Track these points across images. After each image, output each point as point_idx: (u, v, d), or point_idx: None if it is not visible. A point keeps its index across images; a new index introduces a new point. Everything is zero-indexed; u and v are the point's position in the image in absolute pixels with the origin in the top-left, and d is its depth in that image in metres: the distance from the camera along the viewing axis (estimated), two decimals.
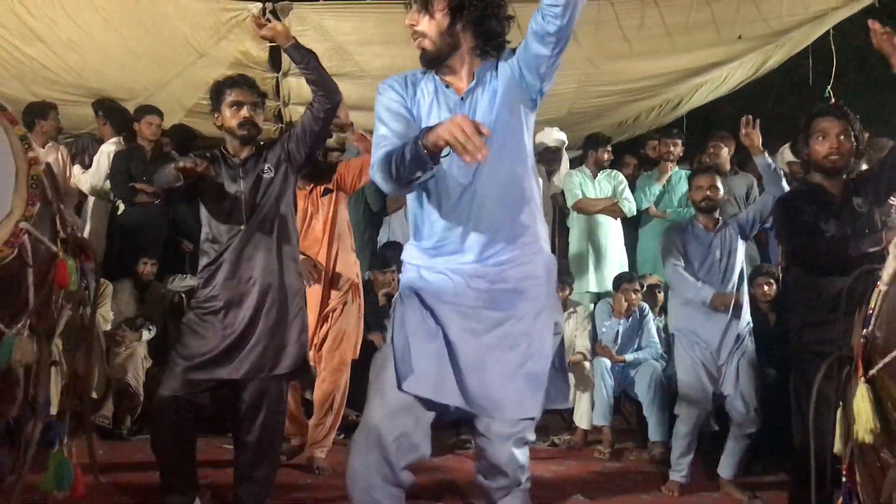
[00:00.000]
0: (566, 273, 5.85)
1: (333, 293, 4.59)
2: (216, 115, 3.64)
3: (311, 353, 4.44)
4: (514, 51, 2.41)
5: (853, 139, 3.36)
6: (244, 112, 3.56)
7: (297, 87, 6.94)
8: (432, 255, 2.39)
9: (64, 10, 6.01)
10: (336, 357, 4.59)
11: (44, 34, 6.13)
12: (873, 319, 1.99)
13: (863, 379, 1.95)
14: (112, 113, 6.42)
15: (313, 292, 4.43)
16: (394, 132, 2.32)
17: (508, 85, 2.35)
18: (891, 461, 1.85)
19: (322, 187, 4.59)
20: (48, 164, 2.35)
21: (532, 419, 2.38)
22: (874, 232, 3.29)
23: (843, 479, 2.09)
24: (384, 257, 5.78)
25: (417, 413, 2.27)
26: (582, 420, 5.42)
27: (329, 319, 4.58)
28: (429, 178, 2.23)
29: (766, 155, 4.39)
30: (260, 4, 6.22)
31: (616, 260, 6.29)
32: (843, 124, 3.35)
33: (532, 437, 2.43)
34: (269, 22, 3.58)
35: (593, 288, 6.24)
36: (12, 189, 2.11)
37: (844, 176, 3.43)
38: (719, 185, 4.69)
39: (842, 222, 3.35)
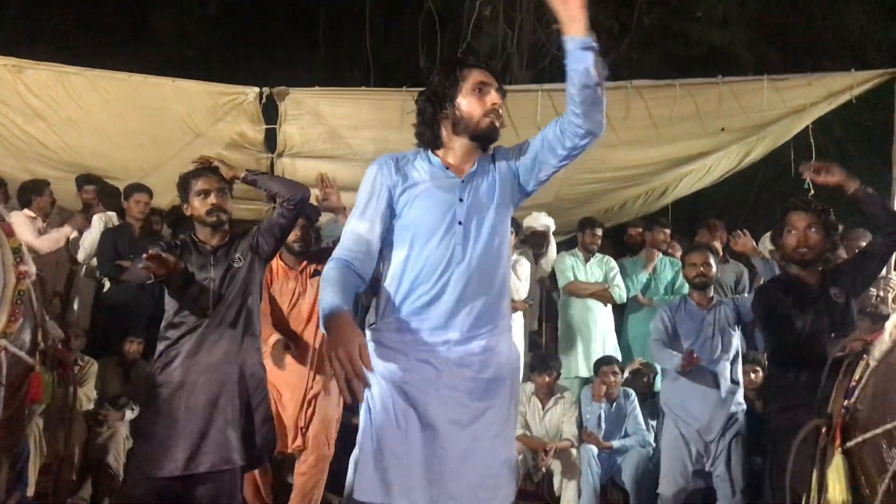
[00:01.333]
0: (553, 358, 5.84)
1: (318, 376, 4.48)
2: (185, 206, 3.70)
3: (293, 438, 4.39)
4: (505, 149, 2.56)
5: (822, 232, 3.48)
6: (212, 199, 3.63)
7: (292, 167, 7.05)
8: (413, 326, 2.36)
9: (65, 91, 6.16)
10: (319, 450, 4.48)
11: (44, 113, 6.28)
12: (857, 391, 2.00)
13: (839, 449, 1.95)
14: (104, 193, 6.49)
15: (297, 374, 4.41)
16: (356, 234, 2.41)
17: (505, 180, 2.50)
18: None
19: (312, 268, 4.61)
20: (38, 276, 2.29)
21: None
22: (847, 325, 3.37)
23: None
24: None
25: None
26: None
27: (313, 404, 4.48)
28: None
29: (761, 256, 4.49)
30: (257, 89, 6.39)
31: (605, 345, 6.28)
32: (811, 218, 3.48)
33: None
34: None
35: (583, 373, 6.20)
36: None
37: (821, 267, 3.54)
38: (712, 262, 4.78)
39: (818, 312, 3.42)
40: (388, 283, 2.43)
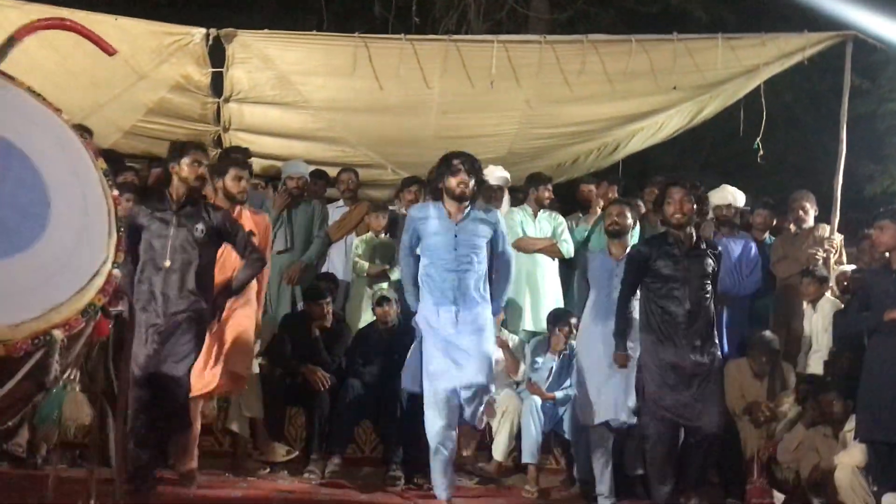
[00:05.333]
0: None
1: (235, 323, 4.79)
2: (172, 166, 4.36)
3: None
4: (496, 224, 4.64)
5: (693, 202, 4.57)
6: (202, 170, 4.38)
7: (238, 112, 6.88)
8: (435, 302, 4.52)
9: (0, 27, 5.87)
10: None
11: None
12: None
13: None
14: None
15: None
16: (408, 262, 4.68)
17: (486, 235, 4.60)
18: None
19: (247, 226, 4.69)
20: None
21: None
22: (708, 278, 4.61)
23: None
24: (318, 288, 5.72)
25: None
26: (498, 451, 5.42)
27: None
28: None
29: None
30: (203, 30, 6.18)
31: (553, 299, 6.32)
32: (684, 191, 4.57)
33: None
34: None
35: (529, 326, 6.23)
36: (106, 230, 1.96)
37: (693, 232, 4.62)
38: (628, 213, 5.18)
39: (686, 264, 4.56)
40: (420, 277, 4.61)
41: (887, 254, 4.75)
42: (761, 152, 6.57)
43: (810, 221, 6.26)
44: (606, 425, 4.87)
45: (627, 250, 5.01)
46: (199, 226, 4.28)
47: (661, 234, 4.80)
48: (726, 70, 6.38)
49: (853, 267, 6.11)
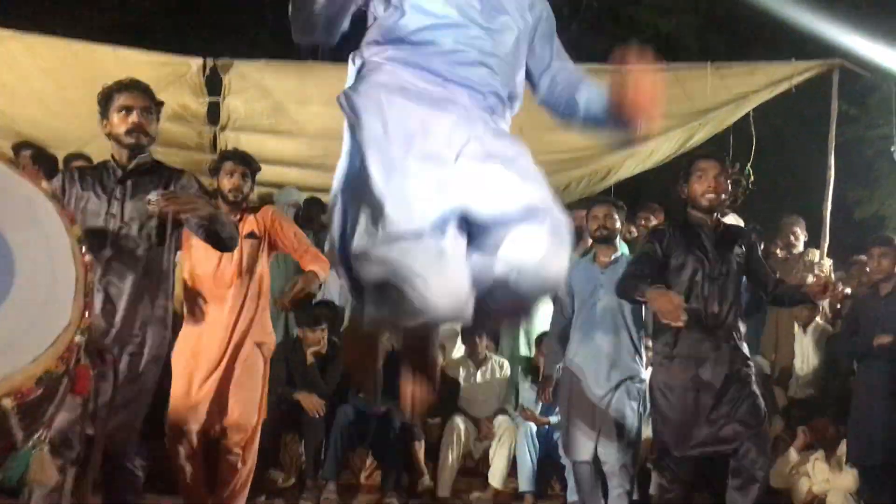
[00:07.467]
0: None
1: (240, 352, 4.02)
2: (104, 123, 3.30)
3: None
4: None
5: (728, 182, 3.72)
6: (133, 117, 3.23)
7: (235, 141, 6.92)
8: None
9: (0, 55, 5.95)
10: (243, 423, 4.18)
11: None
12: None
13: None
14: (41, 160, 6.29)
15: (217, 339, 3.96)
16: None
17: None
18: None
19: (247, 229, 4.06)
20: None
21: None
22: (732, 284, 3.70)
23: None
24: (315, 315, 5.74)
25: None
26: (495, 479, 5.41)
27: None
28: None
29: None
30: (200, 60, 6.26)
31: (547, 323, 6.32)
32: (721, 167, 3.71)
33: None
34: None
35: (524, 351, 6.26)
36: (72, 296, 1.98)
37: (719, 219, 3.82)
38: (615, 215, 4.61)
39: (711, 259, 3.67)
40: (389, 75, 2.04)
41: (877, 279, 4.81)
42: (752, 178, 6.64)
43: (800, 246, 6.32)
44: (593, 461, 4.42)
45: (615, 256, 4.53)
46: (153, 196, 3.08)
47: (676, 223, 3.90)
48: (716, 98, 6.47)
49: (849, 290, 6.14)
